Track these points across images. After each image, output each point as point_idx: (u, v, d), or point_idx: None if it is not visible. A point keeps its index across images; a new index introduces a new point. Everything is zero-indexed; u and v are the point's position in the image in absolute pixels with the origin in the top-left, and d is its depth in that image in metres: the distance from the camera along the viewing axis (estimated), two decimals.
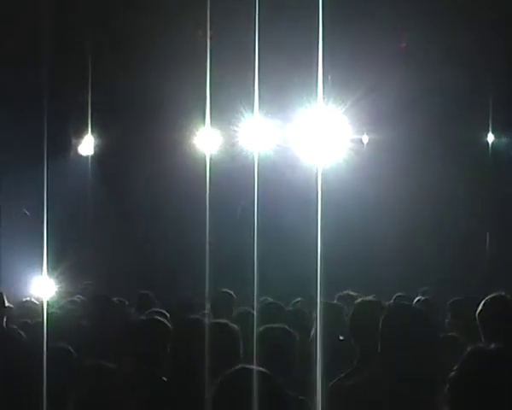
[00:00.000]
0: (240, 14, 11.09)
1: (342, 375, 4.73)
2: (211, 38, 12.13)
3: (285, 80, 14.51)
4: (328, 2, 8.58)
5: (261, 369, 3.13)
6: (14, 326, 7.25)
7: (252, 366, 3.16)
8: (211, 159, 15.01)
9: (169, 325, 5.54)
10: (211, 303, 8.08)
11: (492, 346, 2.80)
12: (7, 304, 7.52)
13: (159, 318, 5.75)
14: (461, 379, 2.77)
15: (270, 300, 7.95)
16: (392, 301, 8.13)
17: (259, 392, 2.94)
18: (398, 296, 8.78)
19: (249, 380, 3.01)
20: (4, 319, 7.24)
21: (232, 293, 8.29)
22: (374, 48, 13.79)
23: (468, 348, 2.86)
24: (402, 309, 4.87)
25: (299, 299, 9.32)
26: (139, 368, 5.01)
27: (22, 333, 6.45)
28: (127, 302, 8.98)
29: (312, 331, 6.07)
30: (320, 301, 6.46)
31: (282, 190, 15.36)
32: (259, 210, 10.20)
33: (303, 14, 10.35)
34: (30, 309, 8.85)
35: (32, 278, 14.23)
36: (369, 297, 5.60)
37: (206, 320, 5.29)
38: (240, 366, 3.20)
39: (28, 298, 9.77)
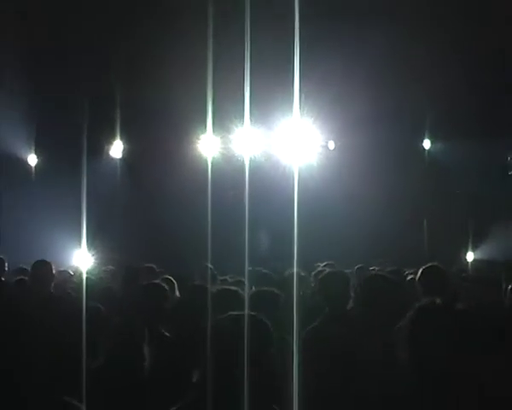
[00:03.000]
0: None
1: (313, 325, 4.94)
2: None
3: (268, 94, 14.11)
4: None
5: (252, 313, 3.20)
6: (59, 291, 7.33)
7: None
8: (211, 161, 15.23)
9: (166, 287, 5.34)
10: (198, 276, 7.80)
11: (437, 301, 2.94)
12: (54, 272, 7.58)
13: (157, 282, 5.55)
14: (412, 326, 2.89)
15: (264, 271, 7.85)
16: (354, 271, 8.36)
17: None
18: (359, 268, 8.97)
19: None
20: (52, 285, 7.32)
21: (212, 267, 7.98)
22: (340, 71, 13.83)
23: (418, 304, 2.99)
24: (376, 278, 5.09)
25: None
26: (144, 325, 4.69)
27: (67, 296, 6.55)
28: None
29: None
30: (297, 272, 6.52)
31: (266, 185, 15.45)
32: (249, 202, 10.26)
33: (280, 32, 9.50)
34: (67, 278, 8.96)
35: (72, 252, 14.58)
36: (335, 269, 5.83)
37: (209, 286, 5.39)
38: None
39: (63, 269, 9.83)
